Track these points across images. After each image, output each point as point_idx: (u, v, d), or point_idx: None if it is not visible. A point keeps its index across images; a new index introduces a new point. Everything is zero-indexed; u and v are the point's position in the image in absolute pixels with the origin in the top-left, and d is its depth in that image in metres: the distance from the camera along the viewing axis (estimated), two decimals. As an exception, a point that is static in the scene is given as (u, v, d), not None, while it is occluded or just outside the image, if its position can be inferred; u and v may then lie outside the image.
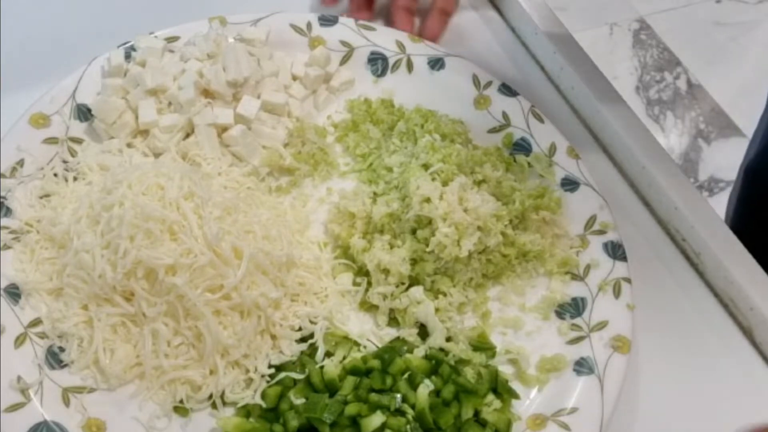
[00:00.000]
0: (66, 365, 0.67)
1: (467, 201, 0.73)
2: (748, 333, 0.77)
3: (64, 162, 0.76)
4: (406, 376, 0.68)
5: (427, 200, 0.72)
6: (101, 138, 0.78)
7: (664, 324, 0.77)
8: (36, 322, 0.68)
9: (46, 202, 0.73)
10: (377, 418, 0.65)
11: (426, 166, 0.75)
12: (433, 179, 0.74)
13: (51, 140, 0.76)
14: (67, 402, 0.65)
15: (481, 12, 0.96)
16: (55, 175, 0.75)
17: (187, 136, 0.78)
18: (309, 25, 0.87)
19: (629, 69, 2.12)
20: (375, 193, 0.78)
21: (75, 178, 0.75)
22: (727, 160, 1.96)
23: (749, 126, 1.26)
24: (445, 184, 0.74)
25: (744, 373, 0.75)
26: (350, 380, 0.67)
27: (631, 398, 0.72)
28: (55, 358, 0.67)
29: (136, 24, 0.85)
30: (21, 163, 0.74)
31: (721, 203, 1.09)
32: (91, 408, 0.66)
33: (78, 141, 0.78)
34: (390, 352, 0.70)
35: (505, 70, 0.91)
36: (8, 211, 0.72)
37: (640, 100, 2.07)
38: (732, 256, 0.77)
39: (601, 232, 0.78)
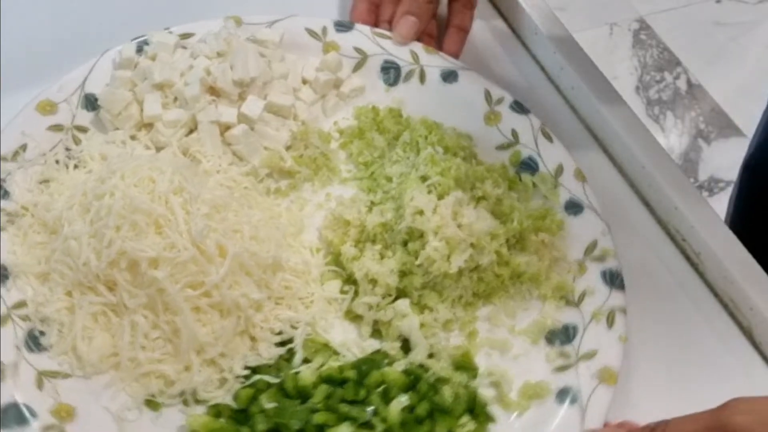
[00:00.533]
0: (45, 349, 0.68)
1: (462, 216, 0.72)
2: (748, 333, 0.76)
3: (67, 150, 0.77)
4: (381, 389, 0.67)
5: (420, 212, 0.71)
6: (107, 129, 0.79)
7: (664, 324, 0.76)
8: (20, 304, 0.69)
9: (45, 187, 0.74)
10: (344, 429, 0.64)
11: (424, 178, 0.74)
12: (429, 192, 0.73)
13: (56, 127, 0.77)
14: (40, 385, 0.66)
15: (480, 12, 0.96)
16: (57, 161, 0.76)
17: (191, 132, 0.78)
18: (324, 30, 0.87)
19: (629, 69, 2.13)
20: (372, 202, 0.77)
21: (76, 166, 0.76)
22: (727, 160, 1.97)
23: (749, 126, 1.27)
24: (441, 197, 0.73)
25: (744, 373, 0.75)
26: (323, 388, 0.66)
27: (629, 398, 0.71)
28: (34, 341, 0.68)
29: (152, 23, 0.85)
30: (24, 147, 0.75)
31: (721, 203, 1.09)
32: (63, 394, 0.66)
33: (83, 130, 0.78)
34: (368, 363, 0.69)
35: (505, 71, 0.91)
36: (6, 194, 0.73)
37: (640, 100, 2.08)
38: (732, 256, 0.77)
39: (601, 259, 0.76)
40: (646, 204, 0.84)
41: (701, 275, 0.80)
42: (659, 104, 2.07)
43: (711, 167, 1.99)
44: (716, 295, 0.78)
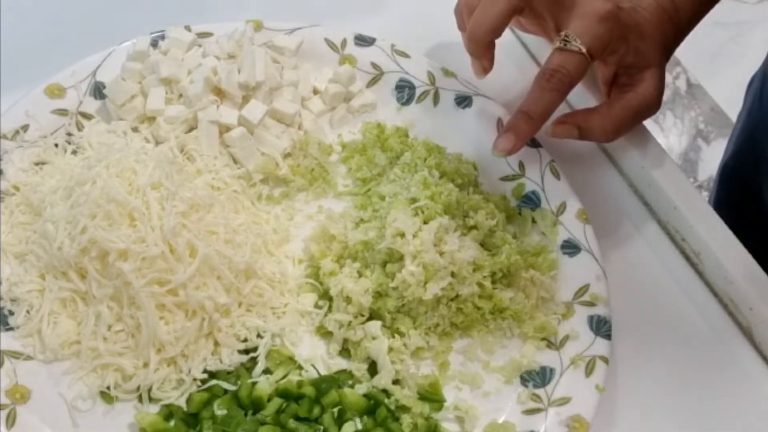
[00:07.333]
0: (11, 329, 0.68)
1: (445, 243, 0.70)
2: (747, 333, 0.76)
3: (69, 135, 0.78)
4: (336, 410, 0.65)
5: (401, 234, 0.69)
6: (112, 118, 0.79)
7: (664, 324, 0.76)
8: (-5, 282, 0.69)
9: (39, 169, 0.75)
10: (287, 446, 0.62)
11: (413, 201, 0.72)
12: (416, 215, 0.71)
13: (61, 111, 0.78)
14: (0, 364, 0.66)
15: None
16: (56, 145, 0.76)
17: (191, 130, 0.78)
18: (344, 42, 0.86)
19: (629, 69, 2.16)
20: (362, 219, 0.75)
21: (74, 152, 0.77)
22: (726, 160, 1.99)
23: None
24: (426, 222, 0.71)
25: (744, 373, 0.74)
26: (276, 402, 0.65)
27: (630, 397, 0.71)
28: (3, 320, 0.68)
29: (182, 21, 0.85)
30: (26, 128, 0.76)
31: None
32: (22, 375, 0.66)
33: (88, 117, 0.79)
34: (329, 382, 0.67)
35: (505, 71, 0.89)
36: (0, 172, 0.74)
37: (640, 100, 2.11)
38: (732, 256, 0.76)
39: (590, 304, 0.73)
40: (646, 204, 0.83)
41: (701, 275, 0.79)
42: (659, 104, 2.11)
43: (711, 167, 1.98)
44: (716, 295, 0.78)
